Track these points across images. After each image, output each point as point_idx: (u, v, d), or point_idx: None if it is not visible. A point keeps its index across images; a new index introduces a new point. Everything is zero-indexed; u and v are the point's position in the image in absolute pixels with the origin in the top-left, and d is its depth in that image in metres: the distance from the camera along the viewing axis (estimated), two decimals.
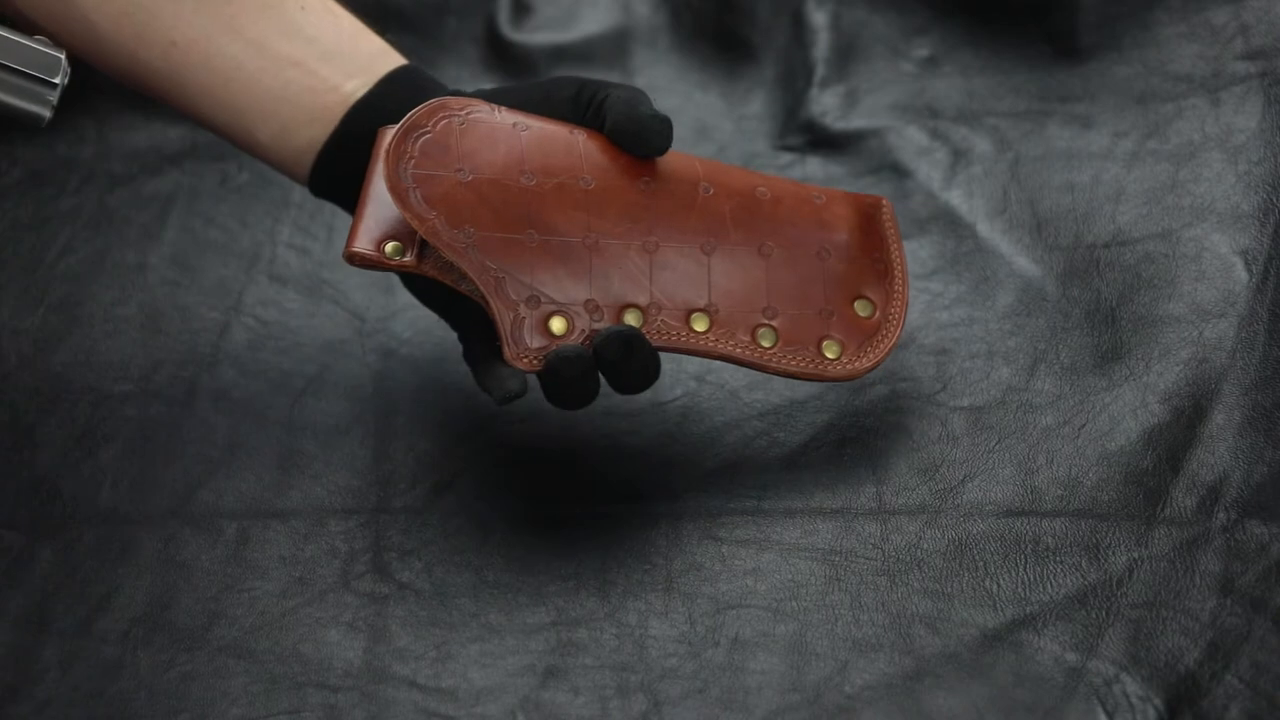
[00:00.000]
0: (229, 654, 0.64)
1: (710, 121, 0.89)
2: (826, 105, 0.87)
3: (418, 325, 0.78)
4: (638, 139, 0.66)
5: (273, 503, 0.70)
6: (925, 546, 0.66)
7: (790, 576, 0.66)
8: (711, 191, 0.67)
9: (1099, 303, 0.75)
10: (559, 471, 0.71)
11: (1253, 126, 0.78)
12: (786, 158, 0.86)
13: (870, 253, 0.70)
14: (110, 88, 0.88)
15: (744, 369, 0.74)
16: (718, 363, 0.75)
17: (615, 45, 0.92)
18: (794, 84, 0.89)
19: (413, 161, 0.63)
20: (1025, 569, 0.65)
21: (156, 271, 0.81)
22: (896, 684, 0.62)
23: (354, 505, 0.70)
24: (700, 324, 0.65)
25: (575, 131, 0.66)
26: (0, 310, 0.79)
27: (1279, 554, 0.63)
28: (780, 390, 0.74)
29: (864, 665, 0.62)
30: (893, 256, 0.70)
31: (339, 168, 0.67)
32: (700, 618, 0.65)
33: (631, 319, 0.64)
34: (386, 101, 0.66)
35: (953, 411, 0.71)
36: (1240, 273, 0.73)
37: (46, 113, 0.64)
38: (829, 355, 0.67)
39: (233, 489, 0.71)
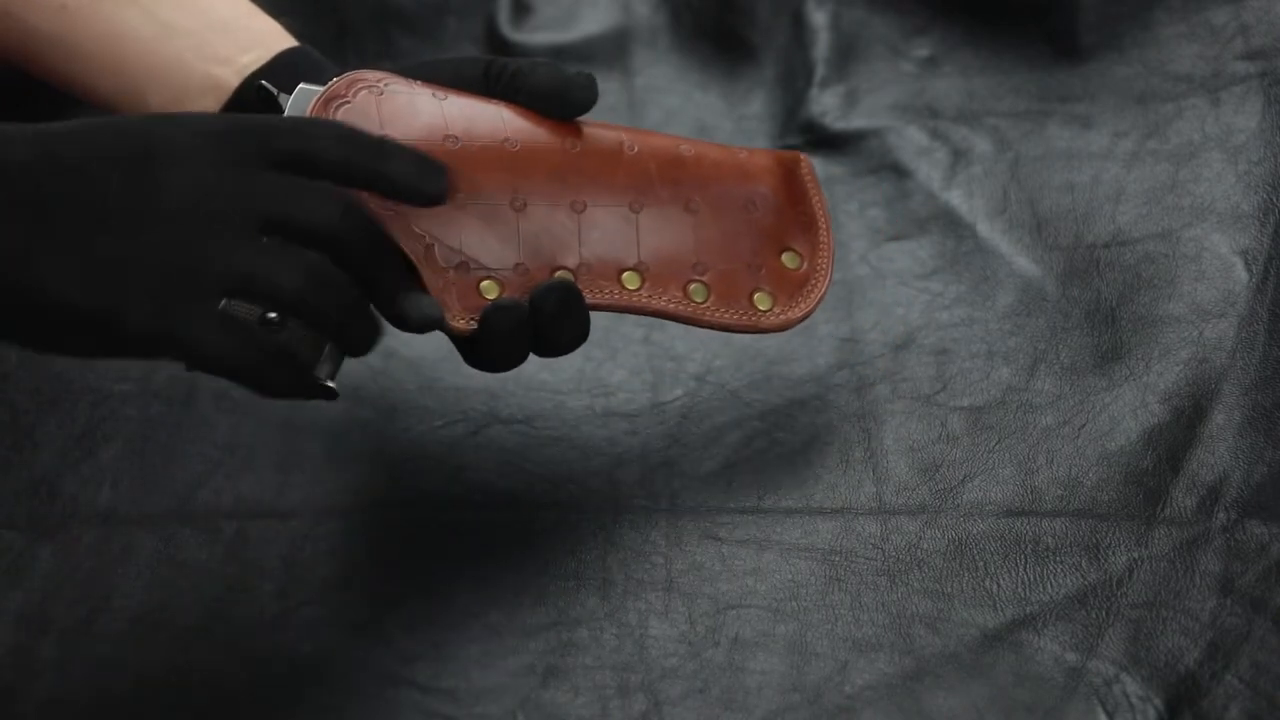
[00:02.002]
0: (229, 654, 0.64)
1: (710, 121, 0.88)
2: (826, 105, 0.87)
3: None
4: (562, 97, 0.66)
5: (273, 503, 0.70)
6: (925, 546, 0.66)
7: (790, 576, 0.66)
8: (636, 150, 0.67)
9: (1099, 303, 0.75)
10: (559, 471, 0.71)
11: (1253, 126, 0.78)
12: None
13: (794, 205, 0.70)
14: None
15: (746, 370, 0.74)
16: (718, 362, 0.75)
17: (615, 45, 0.92)
18: (794, 84, 0.88)
19: None
20: (1025, 569, 0.65)
21: None
22: (896, 684, 0.62)
23: (354, 505, 0.70)
24: (632, 282, 0.66)
25: (493, 102, 0.66)
26: None
27: (1279, 554, 0.63)
28: (780, 390, 0.74)
29: (864, 665, 0.62)
30: (815, 208, 0.70)
31: None
32: (700, 618, 0.65)
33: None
34: (282, 75, 0.66)
35: (953, 411, 0.71)
36: (1240, 273, 0.73)
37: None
38: (761, 307, 0.67)
39: (233, 489, 0.71)
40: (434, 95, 0.65)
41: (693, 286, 0.67)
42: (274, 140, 0.56)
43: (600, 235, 0.65)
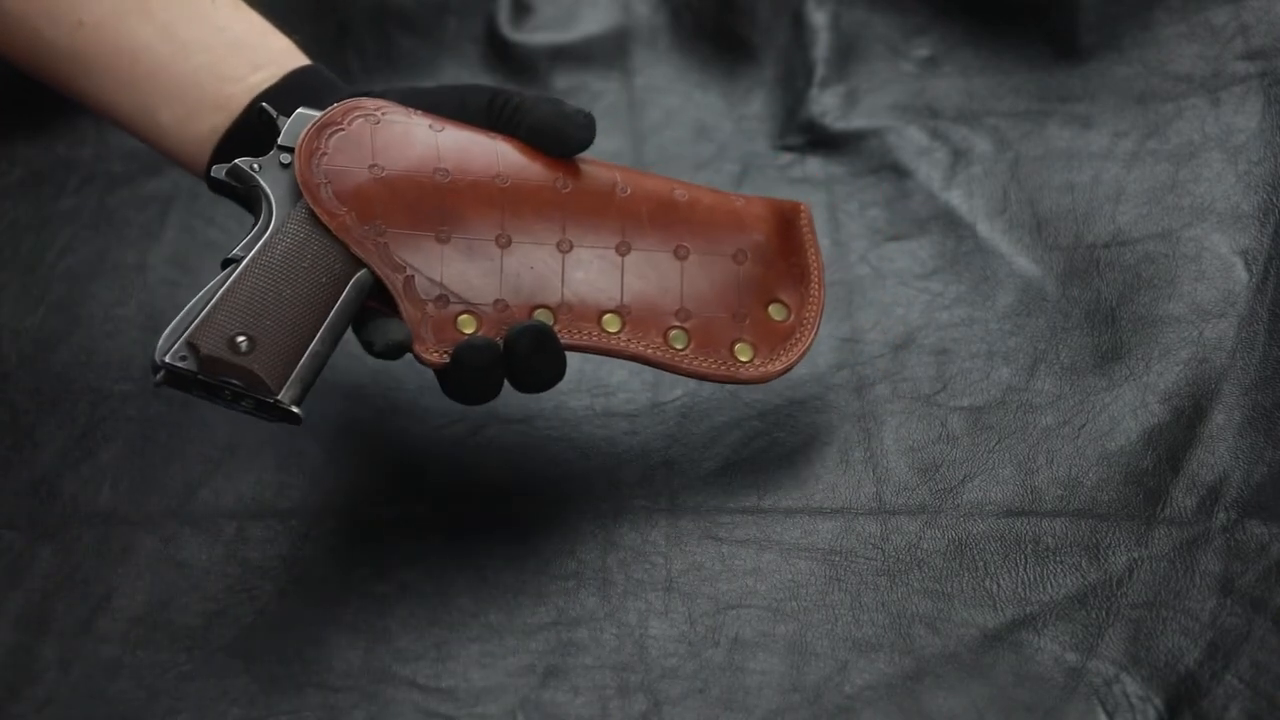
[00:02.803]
0: (229, 654, 0.64)
1: (710, 121, 0.88)
2: (826, 105, 0.87)
3: None
4: (560, 134, 0.66)
5: (273, 503, 0.70)
6: (925, 546, 0.66)
7: (790, 576, 0.66)
8: (629, 192, 0.67)
9: (1099, 303, 0.75)
10: (559, 471, 0.71)
11: (1253, 126, 0.78)
12: (786, 158, 0.86)
13: (787, 256, 0.70)
14: None
15: None
16: None
17: (615, 45, 0.92)
18: (794, 84, 0.89)
19: (325, 157, 0.64)
20: (1025, 569, 0.65)
21: (156, 271, 0.81)
22: (896, 684, 0.62)
23: (353, 505, 0.70)
24: (612, 325, 0.66)
25: (492, 135, 0.67)
26: (0, 310, 0.79)
27: (1279, 554, 0.63)
28: (780, 390, 0.73)
29: (864, 665, 0.62)
30: (809, 261, 0.70)
31: (238, 158, 0.66)
32: (700, 618, 0.65)
33: (542, 319, 0.65)
34: (292, 95, 0.66)
35: (953, 411, 0.71)
36: (1240, 273, 0.73)
37: None
38: (741, 358, 0.67)
39: (233, 489, 0.71)
40: (430, 126, 0.66)
41: (673, 333, 0.66)
42: None
43: (584, 276, 0.65)
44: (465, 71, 0.92)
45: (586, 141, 0.67)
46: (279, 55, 0.68)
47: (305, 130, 0.64)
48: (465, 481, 0.71)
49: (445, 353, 0.63)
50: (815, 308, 0.69)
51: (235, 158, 0.66)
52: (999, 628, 0.63)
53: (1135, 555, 0.65)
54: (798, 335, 0.68)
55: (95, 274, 0.81)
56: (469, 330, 0.63)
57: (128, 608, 0.66)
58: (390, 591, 0.66)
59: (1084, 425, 0.70)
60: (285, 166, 0.64)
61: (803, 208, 0.71)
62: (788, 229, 0.70)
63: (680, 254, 0.67)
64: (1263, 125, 0.78)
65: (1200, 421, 0.68)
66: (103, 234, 0.83)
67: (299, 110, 0.65)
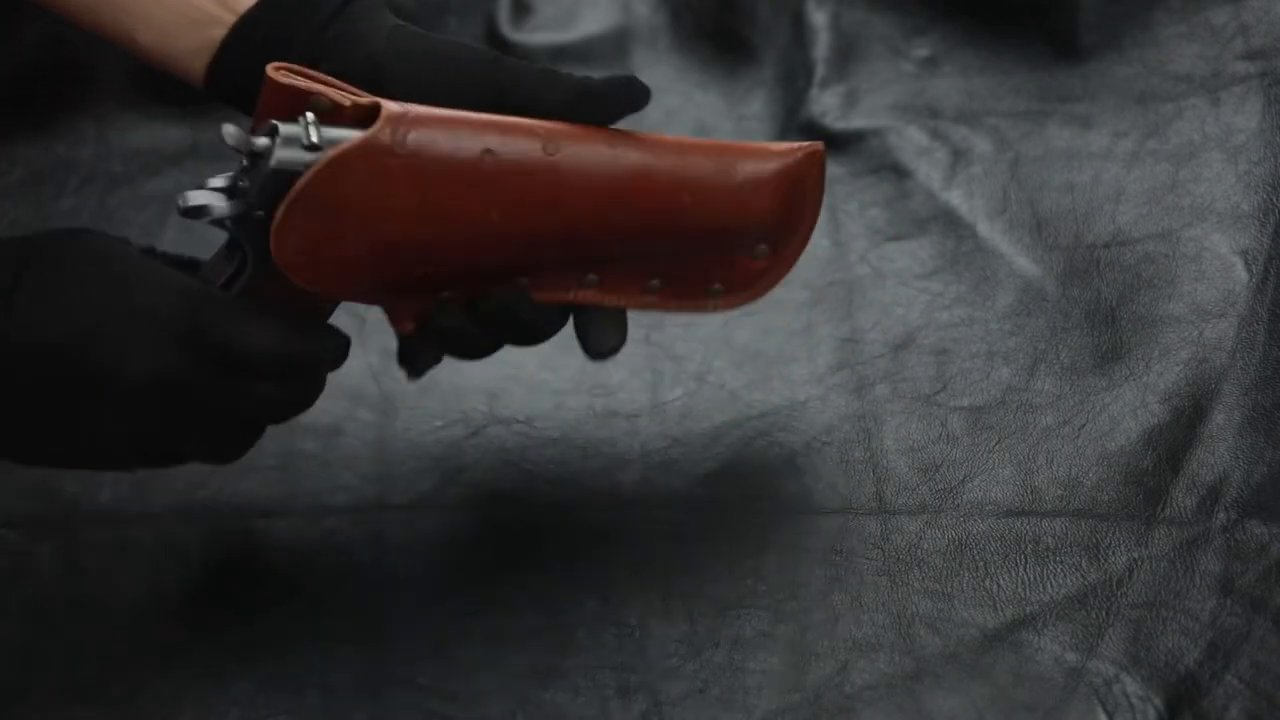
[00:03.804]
0: (229, 654, 0.64)
1: (710, 121, 0.88)
2: (826, 105, 0.87)
3: None
4: (601, 104, 0.62)
5: (273, 503, 0.70)
6: (925, 546, 0.66)
7: (790, 576, 0.66)
8: (634, 208, 0.63)
9: (1099, 303, 0.75)
10: (559, 471, 0.71)
11: (1253, 126, 0.79)
12: None
13: (786, 213, 0.66)
14: (110, 88, 0.88)
15: (746, 370, 0.74)
16: (718, 362, 0.75)
17: (615, 45, 0.92)
18: (794, 84, 0.89)
19: (298, 235, 0.58)
20: (1025, 569, 0.65)
21: None
22: (896, 684, 0.62)
23: (354, 505, 0.70)
24: (590, 290, 0.65)
25: (485, 156, 0.60)
26: None
27: (1279, 554, 0.63)
28: (780, 390, 0.74)
29: (864, 665, 0.62)
30: (807, 213, 0.67)
31: (231, 74, 0.63)
32: (700, 618, 0.65)
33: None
34: (273, 19, 0.63)
35: (953, 411, 0.72)
36: (1240, 273, 0.73)
37: None
38: (713, 296, 0.68)
39: (233, 489, 0.71)
40: (418, 164, 0.59)
41: (649, 284, 0.66)
42: (208, 333, 0.58)
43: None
44: None
45: (629, 109, 0.62)
46: None
47: (280, 210, 0.57)
48: (465, 481, 0.71)
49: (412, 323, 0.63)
50: (797, 248, 0.68)
51: (236, 70, 0.63)
52: (999, 628, 0.63)
53: (1135, 555, 0.65)
54: (772, 272, 0.68)
55: None
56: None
57: (128, 607, 0.66)
58: (391, 592, 0.66)
59: (1084, 425, 0.70)
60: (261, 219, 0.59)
61: (818, 153, 0.66)
62: (795, 191, 0.66)
63: (669, 246, 0.65)
64: (1263, 125, 0.78)
65: (1200, 421, 0.68)
66: None
67: (279, 155, 0.58)
